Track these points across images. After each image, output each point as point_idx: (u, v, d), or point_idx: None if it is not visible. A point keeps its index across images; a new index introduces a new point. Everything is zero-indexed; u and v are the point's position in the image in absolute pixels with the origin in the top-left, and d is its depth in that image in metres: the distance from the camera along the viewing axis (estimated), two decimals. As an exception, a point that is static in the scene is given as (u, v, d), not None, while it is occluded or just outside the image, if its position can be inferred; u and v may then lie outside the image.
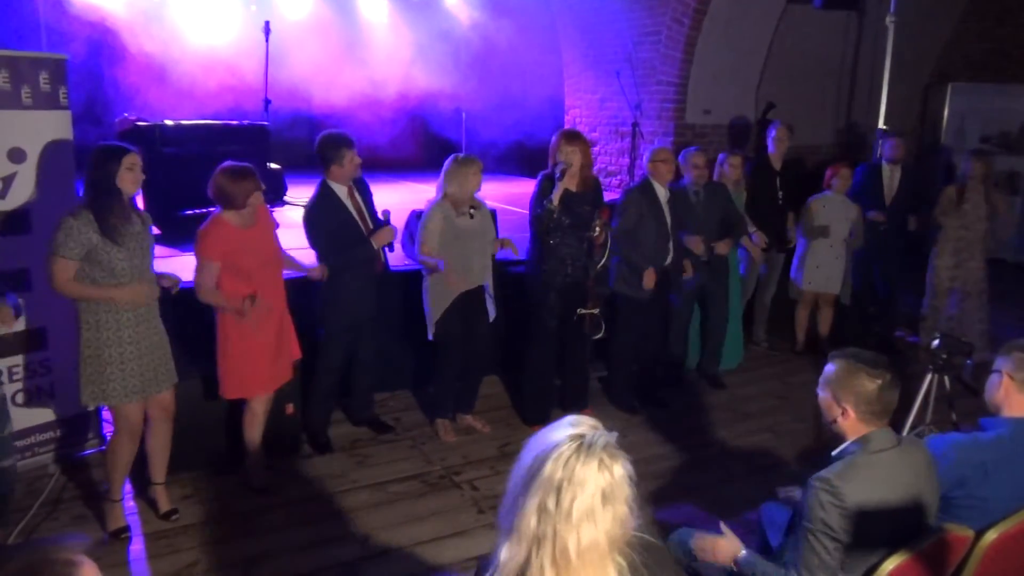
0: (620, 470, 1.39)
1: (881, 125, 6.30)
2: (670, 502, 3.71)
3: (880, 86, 6.45)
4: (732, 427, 4.66)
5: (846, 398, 2.12)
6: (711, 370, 5.32)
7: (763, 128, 8.09)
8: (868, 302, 5.99)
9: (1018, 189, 8.33)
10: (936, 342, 3.03)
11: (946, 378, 3.10)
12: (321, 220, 3.84)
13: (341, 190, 3.91)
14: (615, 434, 1.44)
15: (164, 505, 3.50)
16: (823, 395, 2.20)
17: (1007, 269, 7.83)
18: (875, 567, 1.96)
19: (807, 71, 8.39)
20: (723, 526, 2.31)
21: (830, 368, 2.19)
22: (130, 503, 3.59)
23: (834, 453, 2.16)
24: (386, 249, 4.07)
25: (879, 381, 2.09)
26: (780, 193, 5.60)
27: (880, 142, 5.83)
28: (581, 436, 1.39)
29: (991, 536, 2.07)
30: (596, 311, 4.30)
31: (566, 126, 8.84)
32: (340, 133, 3.92)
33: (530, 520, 1.38)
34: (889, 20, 6.11)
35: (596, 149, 8.56)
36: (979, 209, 5.45)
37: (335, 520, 3.54)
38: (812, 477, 2.06)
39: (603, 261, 4.34)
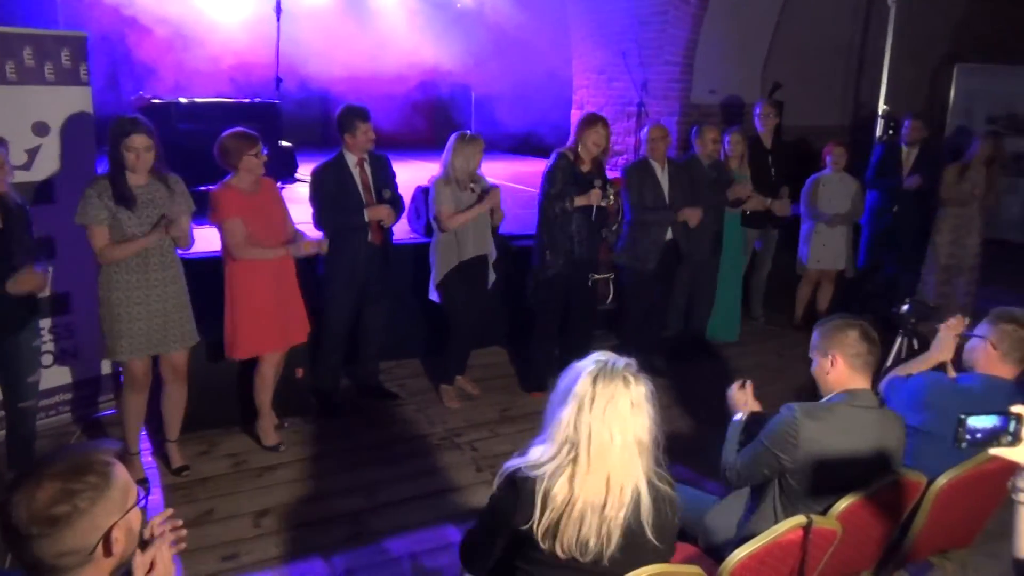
0: (642, 387, 1.70)
1: (882, 106, 6.36)
2: (661, 463, 3.87)
3: (887, 67, 6.48)
4: (725, 396, 4.80)
5: (833, 348, 2.30)
6: (696, 335, 5.44)
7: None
8: (870, 279, 6.09)
9: (1024, 171, 8.33)
10: (905, 307, 3.17)
11: (915, 341, 3.25)
12: (323, 180, 4.06)
13: (351, 159, 4.11)
14: (633, 360, 1.74)
15: (176, 461, 3.71)
16: (814, 354, 2.38)
17: (1014, 251, 7.86)
18: (830, 507, 2.12)
19: (815, 51, 8.39)
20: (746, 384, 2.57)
21: (818, 330, 2.39)
22: (149, 459, 3.80)
23: (823, 400, 2.33)
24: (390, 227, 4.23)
25: (858, 329, 2.28)
26: (772, 170, 5.70)
27: (901, 122, 5.88)
28: (604, 360, 1.72)
29: (942, 481, 2.22)
30: (610, 276, 4.51)
31: (574, 106, 8.91)
32: (357, 106, 4.11)
33: (565, 425, 1.68)
34: (891, 0, 6.15)
35: (603, 129, 8.62)
36: (978, 188, 5.53)
37: (341, 475, 3.75)
38: (786, 404, 2.25)
39: (615, 228, 4.56)
